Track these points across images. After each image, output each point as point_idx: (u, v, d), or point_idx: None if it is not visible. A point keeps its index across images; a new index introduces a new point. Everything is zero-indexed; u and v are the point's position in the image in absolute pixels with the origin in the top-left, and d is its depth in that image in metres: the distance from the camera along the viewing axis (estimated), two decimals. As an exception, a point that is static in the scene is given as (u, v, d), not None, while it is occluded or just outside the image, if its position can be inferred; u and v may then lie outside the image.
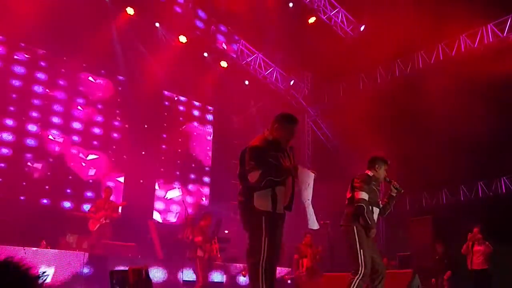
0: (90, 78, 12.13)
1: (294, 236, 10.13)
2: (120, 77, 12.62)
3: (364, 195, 5.19)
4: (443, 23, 11.52)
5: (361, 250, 5.09)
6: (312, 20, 13.87)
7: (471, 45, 11.96)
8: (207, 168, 13.94)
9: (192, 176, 13.50)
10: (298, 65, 14.77)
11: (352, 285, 5.00)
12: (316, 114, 15.33)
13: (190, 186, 13.40)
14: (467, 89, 10.62)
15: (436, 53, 12.58)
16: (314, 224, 4.39)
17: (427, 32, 11.95)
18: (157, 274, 8.67)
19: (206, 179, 13.79)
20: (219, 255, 9.13)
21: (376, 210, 5.35)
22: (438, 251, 10.57)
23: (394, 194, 5.50)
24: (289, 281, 10.32)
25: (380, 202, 5.49)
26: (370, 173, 5.45)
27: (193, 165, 13.70)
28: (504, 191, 11.85)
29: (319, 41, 13.94)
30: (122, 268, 7.47)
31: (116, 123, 12.36)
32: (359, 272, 5.03)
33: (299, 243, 10.16)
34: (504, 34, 11.41)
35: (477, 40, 11.84)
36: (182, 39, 12.60)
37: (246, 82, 14.55)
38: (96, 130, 11.89)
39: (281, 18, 14.00)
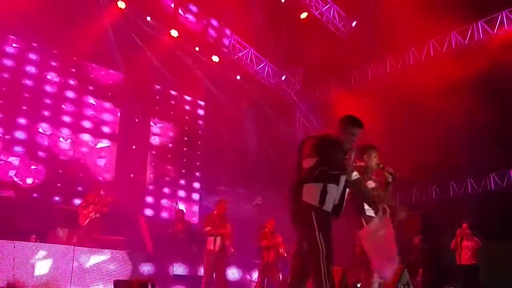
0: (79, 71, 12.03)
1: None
2: (111, 71, 12.54)
3: (371, 184, 5.11)
4: (434, 19, 11.57)
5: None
6: (304, 15, 13.84)
7: (461, 42, 12.03)
8: (198, 163, 13.90)
9: (183, 170, 13.45)
10: (289, 60, 14.76)
11: None
12: (307, 109, 15.35)
13: (182, 181, 13.37)
14: (457, 86, 10.69)
15: (427, 50, 12.64)
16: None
17: (418, 28, 12.01)
18: (147, 268, 8.67)
19: (197, 173, 13.74)
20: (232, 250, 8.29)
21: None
22: (416, 245, 10.65)
23: (390, 180, 5.44)
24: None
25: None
26: (363, 163, 5.30)
27: (184, 160, 13.65)
28: (493, 187, 11.97)
29: (311, 37, 13.97)
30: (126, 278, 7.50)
31: (107, 116, 12.27)
32: None
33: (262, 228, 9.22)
34: (495, 31, 11.48)
35: (468, 37, 11.90)
36: (174, 33, 12.53)
37: (238, 77, 14.51)
38: (87, 124, 11.81)
39: (273, 13, 14.02)
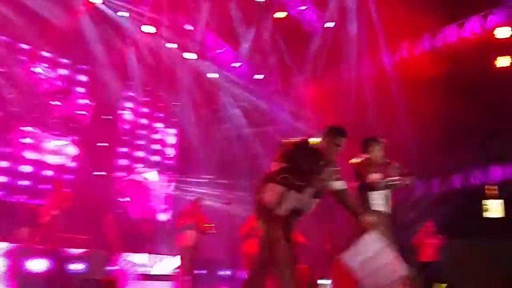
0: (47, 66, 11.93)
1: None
2: (83, 66, 12.45)
3: (377, 176, 5.12)
4: (407, 22, 11.70)
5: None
6: (282, 15, 13.90)
7: (434, 44, 12.21)
8: (171, 161, 13.83)
9: (156, 168, 13.38)
10: (268, 59, 14.77)
11: None
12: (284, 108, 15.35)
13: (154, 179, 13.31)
14: (427, 88, 10.82)
15: (400, 51, 12.82)
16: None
17: (391, 30, 12.15)
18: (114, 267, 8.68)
19: (169, 172, 13.71)
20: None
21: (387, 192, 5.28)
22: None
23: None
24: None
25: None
26: (366, 156, 5.35)
27: (156, 157, 13.56)
28: (456, 187, 12.23)
29: (288, 36, 14.05)
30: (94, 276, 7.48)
31: (76, 112, 12.15)
32: None
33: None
34: (466, 34, 11.65)
35: (440, 39, 12.07)
36: (150, 29, 12.46)
37: (216, 75, 14.52)
38: (53, 121, 11.66)
39: (250, 12, 14.07)
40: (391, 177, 5.32)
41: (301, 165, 4.03)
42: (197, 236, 8.13)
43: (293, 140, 4.23)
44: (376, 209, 5.18)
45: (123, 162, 12.94)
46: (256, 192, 4.17)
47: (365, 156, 5.38)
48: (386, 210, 5.29)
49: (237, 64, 14.22)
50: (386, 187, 5.16)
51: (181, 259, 8.08)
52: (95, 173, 12.02)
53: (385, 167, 5.39)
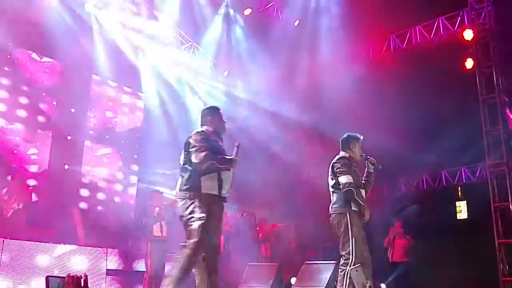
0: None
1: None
2: (47, 58, 11.96)
3: (349, 178, 5.05)
4: (374, 23, 11.86)
5: (353, 239, 4.95)
6: (248, 12, 13.90)
7: (399, 45, 12.44)
8: (135, 156, 13.52)
9: (120, 163, 13.04)
10: (230, 57, 14.73)
11: (345, 276, 4.85)
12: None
13: (118, 174, 12.96)
14: (394, 88, 11.02)
15: (366, 52, 13.05)
16: None
17: (358, 31, 12.31)
18: (80, 262, 8.37)
19: (135, 167, 13.39)
20: None
21: (362, 192, 5.28)
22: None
23: (372, 171, 5.42)
24: None
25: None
26: (346, 154, 5.31)
27: (121, 152, 13.23)
28: (425, 187, 12.52)
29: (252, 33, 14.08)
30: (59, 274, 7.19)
31: (42, 105, 11.66)
32: (350, 261, 4.90)
33: None
34: (431, 36, 11.95)
35: (406, 41, 12.32)
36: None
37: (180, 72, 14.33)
38: (21, 113, 11.16)
39: (217, 8, 14.02)
40: (365, 172, 5.47)
41: (217, 149, 4.37)
42: (167, 228, 7.95)
43: (197, 131, 4.48)
44: (353, 209, 5.19)
45: (89, 155, 12.45)
46: (187, 185, 4.27)
47: (346, 154, 5.39)
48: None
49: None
50: (351, 197, 5.14)
51: (150, 252, 7.88)
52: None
53: (363, 163, 5.54)
